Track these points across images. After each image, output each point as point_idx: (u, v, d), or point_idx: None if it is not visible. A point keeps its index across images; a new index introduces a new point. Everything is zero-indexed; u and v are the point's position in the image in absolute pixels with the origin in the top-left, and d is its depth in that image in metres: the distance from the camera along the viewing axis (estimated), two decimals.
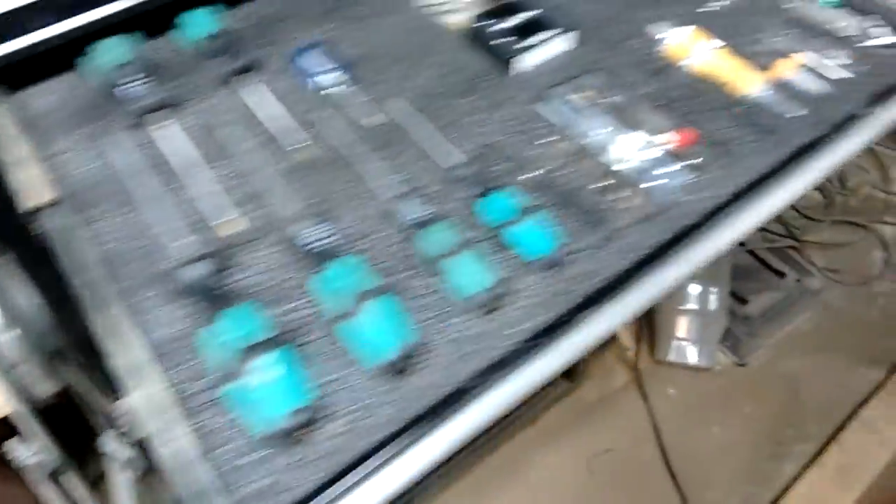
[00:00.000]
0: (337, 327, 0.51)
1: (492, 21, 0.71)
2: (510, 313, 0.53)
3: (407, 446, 0.46)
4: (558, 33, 0.70)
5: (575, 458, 1.34)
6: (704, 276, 1.42)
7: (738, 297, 1.52)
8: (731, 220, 0.57)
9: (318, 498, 0.44)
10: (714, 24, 0.75)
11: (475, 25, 0.71)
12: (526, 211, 0.57)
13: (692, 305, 1.43)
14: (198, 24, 0.71)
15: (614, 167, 0.63)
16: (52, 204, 0.57)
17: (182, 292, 0.52)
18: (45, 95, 0.67)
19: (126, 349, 0.49)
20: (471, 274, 0.53)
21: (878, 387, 1.45)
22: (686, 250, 0.55)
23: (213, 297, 0.51)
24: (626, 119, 0.67)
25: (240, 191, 0.60)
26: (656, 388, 1.43)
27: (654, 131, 0.65)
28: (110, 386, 0.59)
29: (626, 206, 0.59)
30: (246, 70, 0.69)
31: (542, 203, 0.60)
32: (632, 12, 0.77)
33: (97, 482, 0.98)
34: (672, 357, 1.44)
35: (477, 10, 0.74)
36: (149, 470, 0.67)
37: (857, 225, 1.74)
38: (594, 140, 0.65)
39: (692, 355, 1.44)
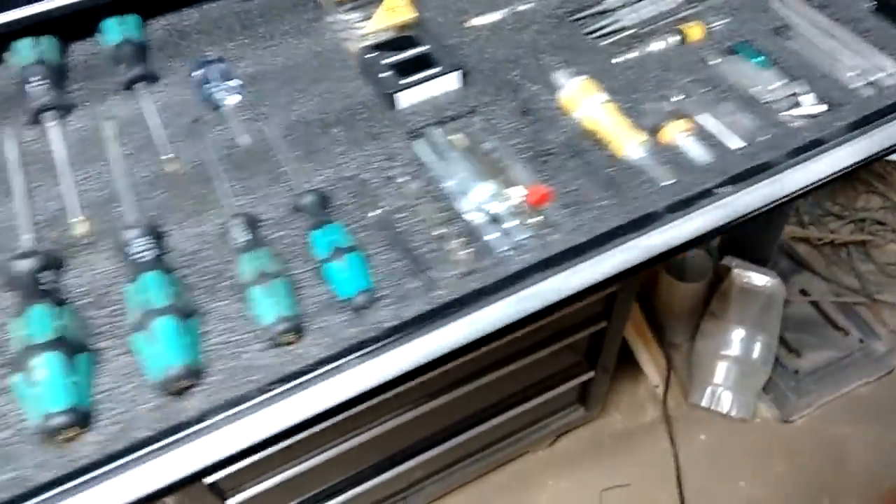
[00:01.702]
0: (130, 338, 0.54)
1: (382, 53, 0.72)
2: (298, 350, 0.54)
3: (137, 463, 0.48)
4: (443, 71, 0.70)
5: (588, 487, 1.29)
6: (751, 322, 1.34)
7: (792, 349, 1.42)
8: (530, 288, 0.55)
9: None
10: (619, 77, 0.73)
11: (366, 56, 0.72)
12: (347, 249, 0.58)
13: (733, 352, 1.34)
14: (113, 31, 0.75)
15: (463, 216, 0.62)
16: None
17: (8, 283, 0.57)
18: None
19: None
20: (272, 304, 0.54)
21: None
22: (474, 312, 0.54)
23: (32, 292, 0.55)
24: (488, 168, 0.66)
25: (99, 194, 0.64)
26: (687, 430, 1.36)
27: (511, 184, 0.64)
28: None
29: (455, 257, 0.59)
30: (147, 78, 0.73)
31: (372, 242, 0.60)
32: (536, 57, 0.75)
33: None
34: (705, 402, 1.37)
35: (374, 40, 0.75)
36: None
37: None
38: (449, 186, 0.65)
39: (726, 403, 1.36)
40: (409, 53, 0.72)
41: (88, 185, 0.65)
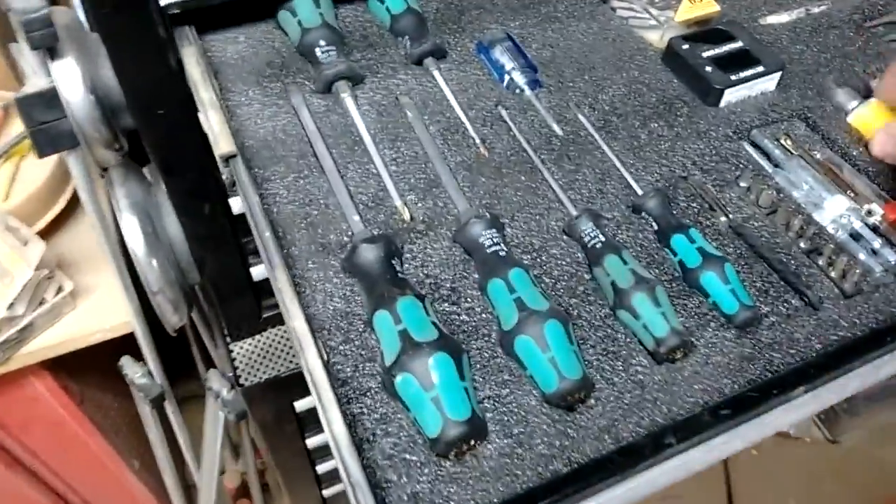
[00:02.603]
0: (510, 341, 0.48)
1: (698, 45, 0.67)
2: (691, 368, 0.48)
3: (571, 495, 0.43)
4: (767, 70, 0.65)
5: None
6: None
7: None
8: None
9: None
10: None
11: (682, 47, 0.66)
12: (719, 258, 0.52)
13: None
14: (390, 0, 0.69)
15: (828, 229, 0.57)
16: (231, 156, 0.57)
17: (354, 270, 0.51)
18: (236, 44, 0.68)
19: (298, 313, 0.48)
20: (660, 314, 0.49)
21: None
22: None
23: (400, 281, 0.50)
24: (831, 179, 0.61)
25: (417, 177, 0.58)
26: None
27: (860, 199, 0.59)
28: (231, 328, 0.59)
29: (835, 274, 0.53)
30: (436, 53, 0.67)
31: (731, 252, 0.55)
32: (846, 62, 0.70)
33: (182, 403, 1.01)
34: None
35: (678, 31, 0.69)
36: (244, 414, 0.67)
37: None
38: (799, 195, 0.59)
39: None
40: (727, 48, 0.66)
41: (403, 165, 0.59)
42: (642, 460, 0.41)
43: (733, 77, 0.64)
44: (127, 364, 0.85)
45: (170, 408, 1.00)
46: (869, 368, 0.48)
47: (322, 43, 0.65)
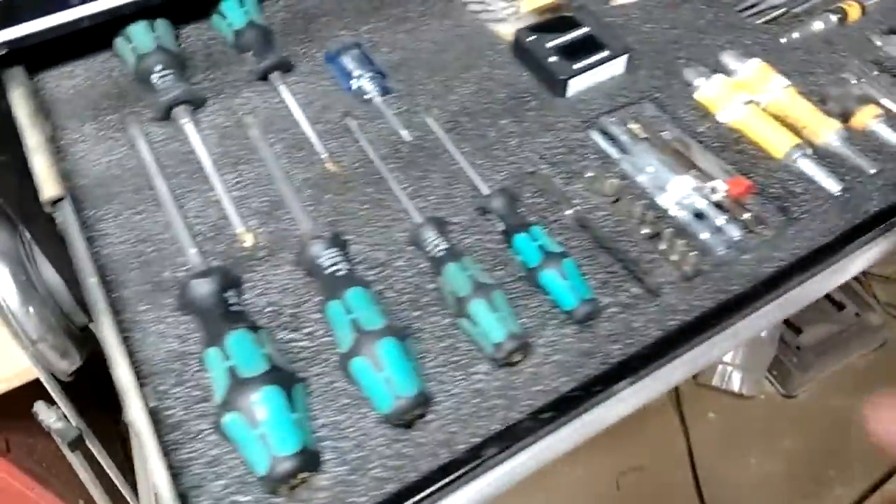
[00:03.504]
0: (347, 363, 0.47)
1: (544, 35, 0.66)
2: (531, 370, 0.49)
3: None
4: (613, 55, 0.65)
5: (604, 472, 1.30)
6: None
7: (792, 326, 1.45)
8: (788, 290, 0.51)
9: None
10: (790, 59, 0.69)
11: (528, 39, 0.66)
12: (560, 254, 0.52)
13: None
14: (235, 14, 0.67)
15: (670, 212, 0.58)
16: (60, 199, 0.54)
17: (187, 307, 0.50)
18: (72, 78, 0.65)
19: (121, 361, 0.46)
20: (498, 320, 0.49)
21: None
22: (736, 321, 0.50)
23: (224, 316, 0.48)
24: (676, 159, 0.61)
25: (260, 200, 0.57)
26: (696, 410, 1.38)
27: (706, 177, 0.59)
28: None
29: (676, 258, 0.54)
30: (281, 67, 0.65)
31: (576, 245, 0.55)
32: (698, 37, 0.70)
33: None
34: (716, 381, 1.39)
35: (526, 21, 0.69)
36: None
37: None
38: (643, 179, 0.60)
39: (736, 382, 1.39)
40: (572, 35, 0.66)
41: (245, 189, 0.57)
42: (463, 475, 0.42)
43: (576, 65, 0.64)
44: (41, 409, 0.82)
45: (94, 448, 0.97)
46: (703, 349, 0.49)
47: (158, 68, 0.62)
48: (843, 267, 0.52)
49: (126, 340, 0.47)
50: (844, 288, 1.52)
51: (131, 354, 0.46)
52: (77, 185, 0.57)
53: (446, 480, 0.42)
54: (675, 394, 1.37)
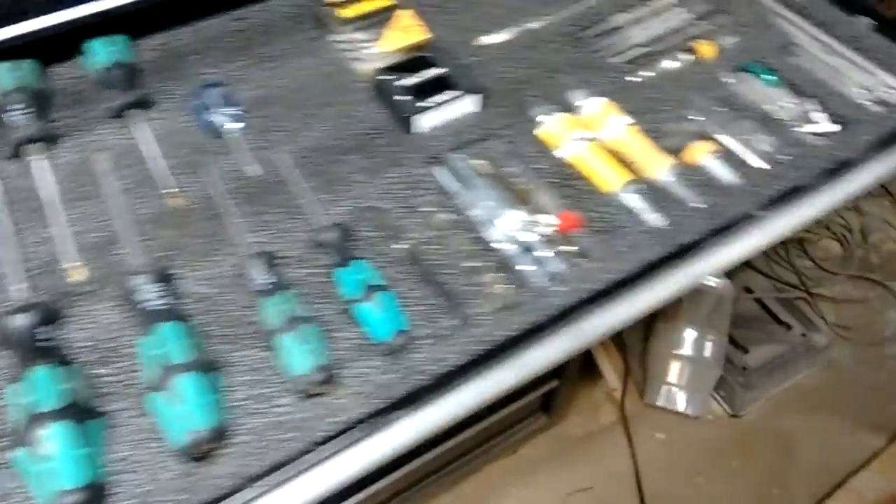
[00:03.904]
0: (147, 398, 0.49)
1: (396, 75, 0.69)
2: (335, 401, 0.50)
3: None
4: (462, 95, 0.67)
5: (552, 493, 1.30)
6: (702, 321, 1.37)
7: (739, 346, 1.46)
8: (585, 320, 0.53)
9: None
10: (637, 97, 0.72)
11: (379, 78, 0.69)
12: (378, 287, 0.54)
13: (686, 351, 1.37)
14: (100, 54, 0.69)
15: (493, 246, 0.60)
16: None
17: (3, 343, 0.51)
18: None
19: None
20: (305, 353, 0.50)
21: (875, 455, 1.37)
22: (536, 347, 0.52)
23: (32, 352, 0.50)
24: (514, 194, 0.63)
25: (96, 235, 0.59)
26: (644, 430, 1.39)
27: (539, 210, 0.62)
28: None
29: (490, 291, 0.56)
30: (141, 104, 0.68)
31: (401, 278, 0.57)
32: (551, 77, 0.73)
33: None
34: (661, 402, 1.39)
35: (388, 61, 0.72)
36: None
37: (875, 282, 1.64)
38: (476, 214, 0.62)
39: (681, 402, 1.39)
40: (425, 75, 0.69)
41: (83, 225, 0.59)
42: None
43: (423, 104, 0.67)
44: None
45: None
46: (488, 383, 0.50)
47: (15, 107, 0.64)
48: (641, 298, 0.54)
49: None
50: (792, 309, 1.54)
51: None
52: None
53: None
54: (623, 414, 1.39)
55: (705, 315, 1.37)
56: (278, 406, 0.49)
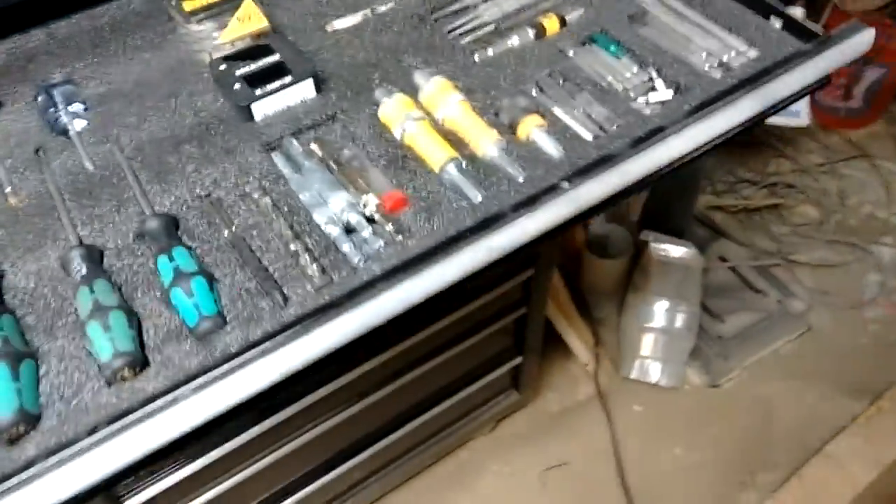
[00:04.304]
0: None
1: (235, 63, 0.70)
2: (137, 385, 0.52)
3: None
4: (295, 80, 0.69)
5: (528, 469, 1.31)
6: (672, 293, 1.37)
7: (714, 315, 1.47)
8: (380, 297, 0.55)
9: None
10: (478, 75, 0.73)
11: (220, 68, 0.70)
12: (191, 273, 0.56)
13: (657, 323, 1.38)
14: None
15: (321, 227, 0.61)
16: None
17: None
18: None
19: None
20: (108, 339, 0.52)
21: (854, 420, 1.37)
22: (323, 326, 0.54)
23: None
24: (347, 177, 0.65)
25: None
26: (622, 404, 1.40)
27: (368, 192, 0.63)
28: None
29: (308, 272, 0.58)
30: None
31: (225, 263, 0.59)
32: (397, 59, 0.74)
33: None
34: (634, 375, 1.41)
35: (229, 51, 0.73)
36: None
37: (854, 245, 1.63)
38: (306, 198, 0.64)
39: (655, 374, 1.41)
40: (261, 63, 0.70)
41: None
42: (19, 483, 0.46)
43: (259, 91, 0.68)
44: None
45: None
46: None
47: None
48: (434, 273, 0.56)
49: None
50: (768, 276, 1.53)
51: None
52: None
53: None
54: (599, 390, 1.39)
55: (675, 286, 1.39)
56: (84, 392, 0.52)
